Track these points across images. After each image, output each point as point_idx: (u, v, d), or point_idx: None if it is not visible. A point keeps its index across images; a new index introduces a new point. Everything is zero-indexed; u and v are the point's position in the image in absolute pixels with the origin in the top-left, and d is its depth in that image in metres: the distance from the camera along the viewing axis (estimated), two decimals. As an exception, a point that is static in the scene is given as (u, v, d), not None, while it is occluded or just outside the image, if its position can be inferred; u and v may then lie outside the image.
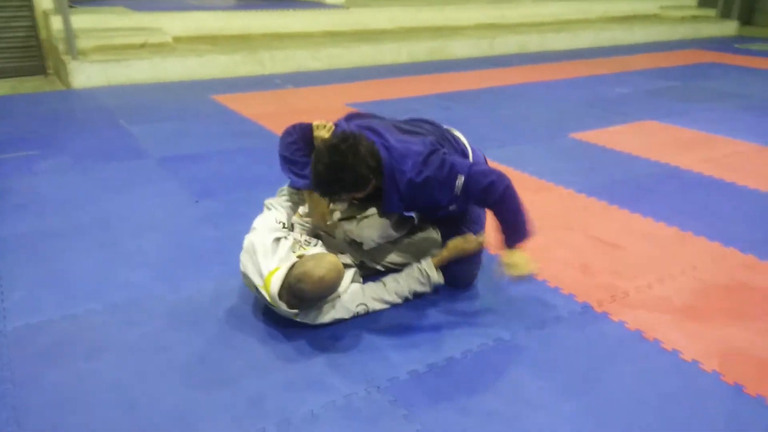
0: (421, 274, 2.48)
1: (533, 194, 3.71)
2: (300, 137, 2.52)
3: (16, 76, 7.00)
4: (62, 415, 1.91)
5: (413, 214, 2.72)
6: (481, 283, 2.69)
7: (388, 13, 9.70)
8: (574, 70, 8.06)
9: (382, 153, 2.28)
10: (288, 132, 2.55)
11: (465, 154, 2.59)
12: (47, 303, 2.52)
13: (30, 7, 6.91)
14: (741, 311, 2.53)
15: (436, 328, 2.38)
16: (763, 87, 7.10)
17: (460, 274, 2.61)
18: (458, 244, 2.51)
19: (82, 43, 6.86)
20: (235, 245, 2.98)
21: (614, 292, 2.64)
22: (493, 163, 2.79)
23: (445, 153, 2.34)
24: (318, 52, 7.75)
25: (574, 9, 11.71)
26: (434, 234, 2.69)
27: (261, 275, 2.20)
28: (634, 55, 9.44)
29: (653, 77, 7.62)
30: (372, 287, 2.43)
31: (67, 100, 6.06)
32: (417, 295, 2.53)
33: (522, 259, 2.36)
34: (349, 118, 2.60)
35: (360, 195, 2.34)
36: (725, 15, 13.20)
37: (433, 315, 2.46)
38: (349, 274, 2.41)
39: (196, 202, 3.54)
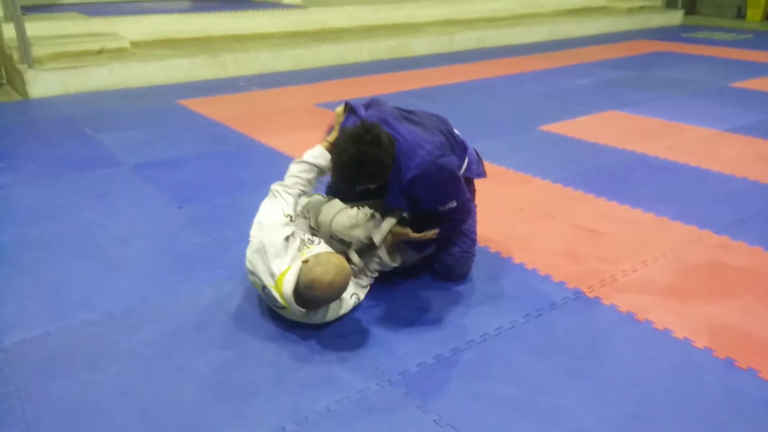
0: (376, 257, 2.56)
1: (512, 186, 3.80)
2: None
3: (-32, 87, 6.78)
4: (76, 426, 1.89)
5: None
6: (474, 275, 2.75)
7: (347, 11, 9.71)
8: (533, 63, 8.22)
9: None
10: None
11: (464, 147, 2.67)
12: (40, 316, 2.47)
13: (-21, 16, 6.70)
14: (723, 290, 2.65)
15: (437, 320, 2.43)
16: (714, 74, 7.37)
17: (455, 267, 2.67)
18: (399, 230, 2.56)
19: (37, 51, 6.66)
20: (227, 250, 3.00)
21: (602, 277, 2.74)
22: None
23: (453, 165, 2.44)
24: (280, 53, 7.71)
25: (528, 3, 11.93)
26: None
27: (273, 275, 2.21)
28: (588, 47, 9.67)
29: (609, 68, 7.84)
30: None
31: (26, 111, 5.89)
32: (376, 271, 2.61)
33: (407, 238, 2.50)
34: (368, 105, 2.64)
35: (376, 185, 2.39)
36: (671, 5, 13.65)
37: (434, 308, 2.51)
38: None
39: (179, 208, 3.51)
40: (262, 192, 2.53)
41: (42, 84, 6.37)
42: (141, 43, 7.79)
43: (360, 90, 6.56)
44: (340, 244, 2.55)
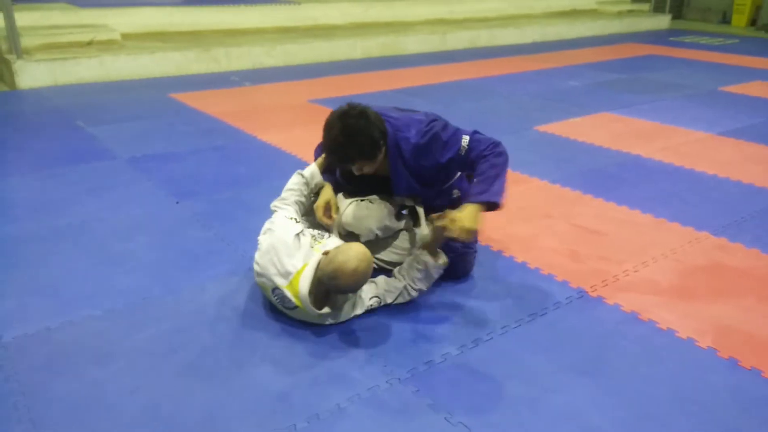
0: (418, 262, 2.45)
1: (511, 186, 3.74)
2: None
3: (-46, 77, 6.66)
4: (85, 424, 1.87)
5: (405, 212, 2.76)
6: (477, 274, 2.76)
7: (339, 8, 9.69)
8: (525, 64, 8.26)
9: (386, 125, 2.39)
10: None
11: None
12: (41, 311, 2.44)
13: (-32, 4, 6.57)
14: (724, 290, 2.68)
15: (444, 319, 2.43)
16: (702, 77, 7.46)
17: (458, 263, 2.67)
18: (438, 230, 2.37)
19: (26, 41, 6.57)
20: (228, 245, 2.98)
21: (604, 277, 2.76)
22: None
23: (446, 121, 2.46)
24: (273, 48, 7.67)
25: (518, 5, 11.98)
26: (426, 231, 2.73)
27: (287, 275, 2.19)
28: (578, 49, 9.74)
29: (600, 70, 7.90)
30: (382, 279, 2.46)
31: (15, 102, 5.81)
32: (422, 282, 2.47)
33: (472, 216, 2.23)
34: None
35: (371, 166, 2.39)
36: (658, 9, 13.80)
37: (439, 306, 2.52)
38: None
39: (177, 203, 3.48)
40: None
41: (30, 75, 6.29)
42: (132, 36, 7.71)
43: (354, 87, 6.55)
44: (350, 237, 2.55)
